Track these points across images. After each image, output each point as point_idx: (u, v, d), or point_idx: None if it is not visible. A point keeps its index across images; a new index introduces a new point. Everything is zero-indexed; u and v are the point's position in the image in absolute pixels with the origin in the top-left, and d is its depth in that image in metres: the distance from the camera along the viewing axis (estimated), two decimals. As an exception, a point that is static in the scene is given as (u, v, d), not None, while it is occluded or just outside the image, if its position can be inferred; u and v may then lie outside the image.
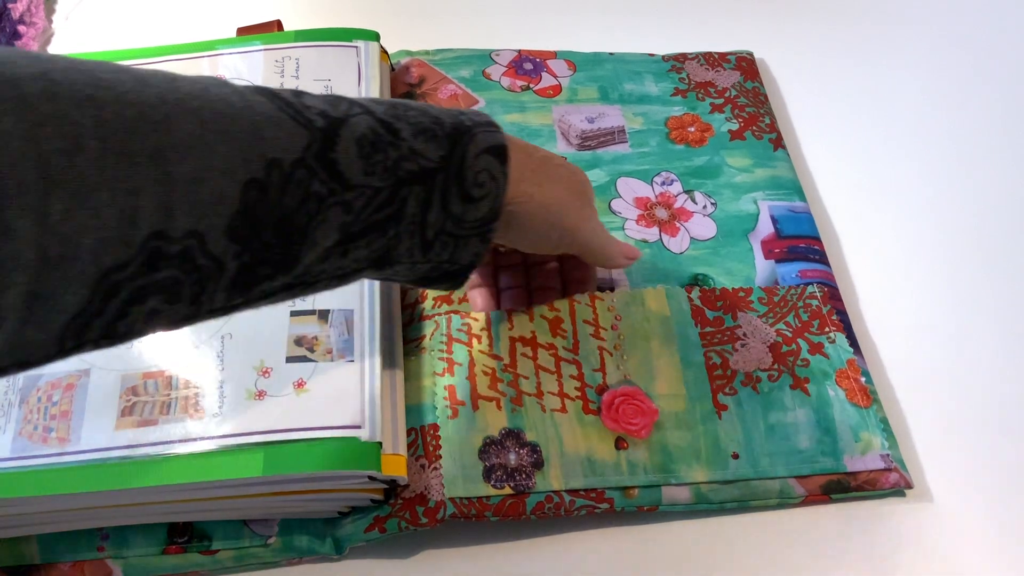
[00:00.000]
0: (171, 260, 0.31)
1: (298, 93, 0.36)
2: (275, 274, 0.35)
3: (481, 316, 0.52)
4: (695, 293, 0.53)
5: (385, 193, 0.37)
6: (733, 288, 0.54)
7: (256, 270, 0.34)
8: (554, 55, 0.67)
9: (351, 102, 0.37)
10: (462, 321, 0.52)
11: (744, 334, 0.52)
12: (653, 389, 0.50)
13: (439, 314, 0.52)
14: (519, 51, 0.67)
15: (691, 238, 0.57)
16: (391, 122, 0.37)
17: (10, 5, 0.70)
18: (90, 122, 0.29)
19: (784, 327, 0.52)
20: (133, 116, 0.30)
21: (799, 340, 0.52)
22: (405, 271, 0.41)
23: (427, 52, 0.67)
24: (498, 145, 0.40)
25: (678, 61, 0.67)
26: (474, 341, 0.51)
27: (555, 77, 0.66)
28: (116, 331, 0.31)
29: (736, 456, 0.48)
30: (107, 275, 0.30)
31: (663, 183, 0.60)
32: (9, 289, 0.28)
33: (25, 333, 0.29)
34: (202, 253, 0.32)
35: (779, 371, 0.51)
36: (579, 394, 0.49)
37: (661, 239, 0.57)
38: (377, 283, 0.51)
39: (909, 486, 0.48)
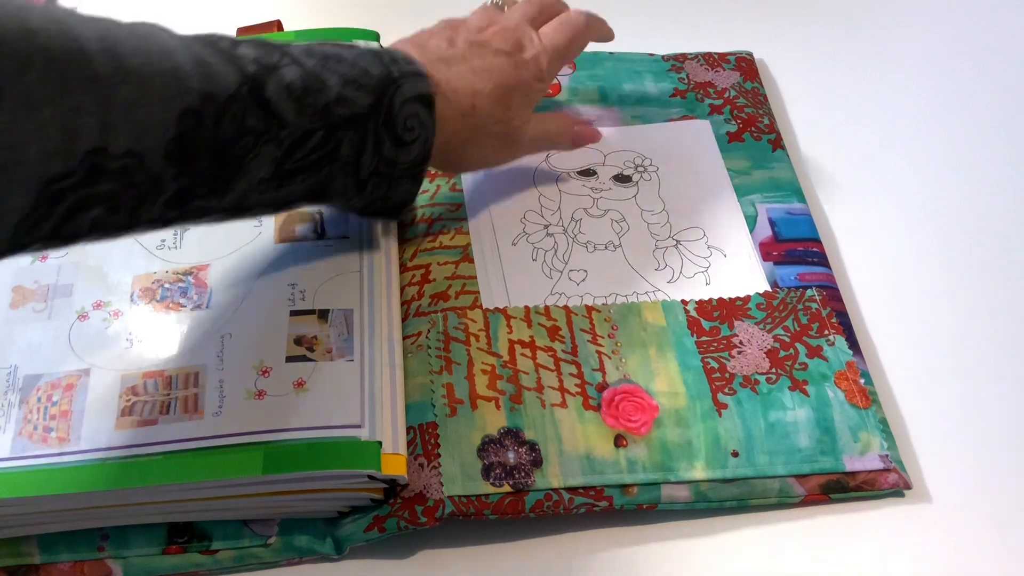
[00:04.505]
0: (111, 175, 0.36)
1: (235, 43, 0.41)
2: (209, 195, 0.40)
3: (478, 316, 0.52)
4: (691, 305, 0.53)
5: (319, 135, 0.42)
6: (730, 298, 0.54)
7: (193, 190, 0.39)
8: (554, 55, 0.67)
9: (283, 52, 0.41)
10: (459, 320, 0.52)
11: (740, 341, 0.52)
12: (653, 386, 0.50)
13: (435, 311, 0.52)
14: (519, 51, 0.67)
15: (690, 238, 0.57)
16: (319, 73, 0.42)
17: (10, 5, 0.70)
18: (38, 47, 0.32)
19: (782, 332, 0.52)
20: (75, 48, 0.34)
21: (797, 344, 0.52)
22: (340, 206, 0.46)
23: (427, 52, 0.66)
24: (424, 94, 0.45)
25: (678, 61, 0.67)
26: (472, 340, 0.51)
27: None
28: (62, 233, 0.36)
29: (736, 454, 0.48)
30: (51, 183, 0.34)
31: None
32: None
33: None
34: (140, 171, 0.37)
35: (777, 375, 0.51)
36: (579, 390, 0.50)
37: (660, 239, 0.57)
38: (377, 282, 0.51)
39: (908, 486, 0.48)
